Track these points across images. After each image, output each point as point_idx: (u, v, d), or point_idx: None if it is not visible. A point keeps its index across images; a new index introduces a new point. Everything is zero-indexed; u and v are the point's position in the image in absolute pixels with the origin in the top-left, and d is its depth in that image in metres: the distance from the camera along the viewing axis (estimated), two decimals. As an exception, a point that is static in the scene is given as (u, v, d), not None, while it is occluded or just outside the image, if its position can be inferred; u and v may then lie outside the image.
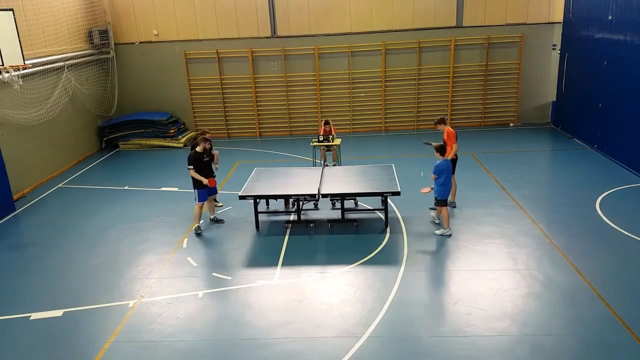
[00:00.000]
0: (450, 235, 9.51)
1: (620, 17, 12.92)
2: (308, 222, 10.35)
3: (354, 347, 6.57)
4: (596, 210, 10.43)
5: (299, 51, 17.55)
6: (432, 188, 9.64)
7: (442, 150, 9.56)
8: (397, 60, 17.56)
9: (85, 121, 16.63)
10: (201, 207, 10.10)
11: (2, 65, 11.58)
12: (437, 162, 9.44)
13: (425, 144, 10.54)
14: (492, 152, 14.76)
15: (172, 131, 17.35)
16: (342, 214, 10.33)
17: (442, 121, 10.56)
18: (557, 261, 8.48)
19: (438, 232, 9.60)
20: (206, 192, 10.10)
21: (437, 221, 10.09)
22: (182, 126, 18.19)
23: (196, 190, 9.99)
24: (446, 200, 9.59)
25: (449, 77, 17.59)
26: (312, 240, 9.76)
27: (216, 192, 10.67)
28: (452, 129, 10.45)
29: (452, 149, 10.23)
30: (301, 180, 10.67)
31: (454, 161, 10.45)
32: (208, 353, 6.65)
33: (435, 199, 9.58)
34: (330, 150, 13.70)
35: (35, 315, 7.63)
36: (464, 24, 17.28)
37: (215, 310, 7.61)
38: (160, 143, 17.28)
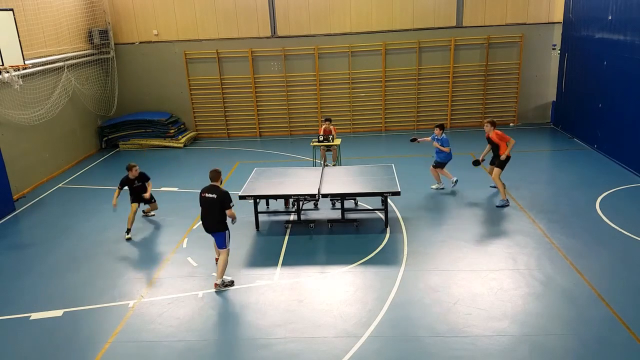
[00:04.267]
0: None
1: (620, 17, 12.92)
2: (308, 222, 10.35)
3: (354, 347, 6.57)
4: (596, 210, 10.43)
5: (299, 51, 17.56)
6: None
7: (441, 126, 11.70)
8: (397, 60, 17.56)
9: (85, 121, 16.64)
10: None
11: (2, 65, 11.58)
12: (442, 137, 11.64)
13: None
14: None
15: (172, 131, 17.35)
16: (342, 214, 10.33)
17: (492, 123, 11.05)
18: (557, 261, 8.48)
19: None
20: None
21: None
22: (182, 126, 18.19)
23: (227, 232, 8.23)
24: (444, 164, 11.77)
25: (449, 77, 17.59)
26: (312, 240, 9.76)
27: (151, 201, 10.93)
28: (499, 131, 10.95)
29: (507, 147, 10.82)
30: (301, 180, 10.67)
31: (508, 159, 10.89)
32: (208, 353, 6.65)
33: (436, 162, 11.82)
34: (330, 150, 13.70)
35: (35, 315, 7.63)
36: (464, 24, 17.28)
37: (215, 310, 7.60)
38: (160, 143, 17.28)
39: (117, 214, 11.39)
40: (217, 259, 8.75)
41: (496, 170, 10.88)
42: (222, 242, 8.18)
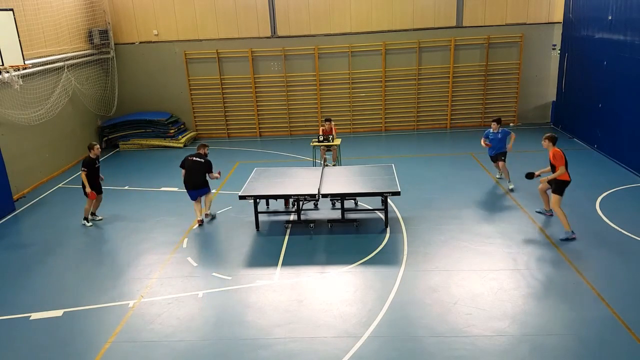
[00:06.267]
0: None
1: (620, 17, 12.92)
2: (308, 222, 10.35)
3: (354, 347, 6.57)
4: (596, 210, 10.42)
5: (299, 51, 17.56)
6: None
7: (498, 120, 11.90)
8: (397, 60, 17.57)
9: (85, 121, 16.64)
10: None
11: (2, 65, 11.58)
12: (502, 129, 11.84)
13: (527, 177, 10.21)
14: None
15: (172, 131, 17.36)
16: (342, 214, 10.33)
17: (551, 139, 9.57)
18: (557, 261, 8.48)
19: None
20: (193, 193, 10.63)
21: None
22: (182, 126, 18.19)
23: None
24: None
25: (449, 77, 17.59)
26: (312, 240, 9.76)
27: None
28: (559, 150, 9.41)
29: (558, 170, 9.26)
30: (301, 180, 10.67)
31: (566, 183, 9.32)
32: (208, 353, 6.65)
33: (504, 152, 11.82)
34: (330, 150, 13.71)
35: (35, 315, 7.63)
36: (464, 24, 17.29)
37: (215, 310, 7.60)
38: (160, 143, 17.28)
39: (116, 214, 11.40)
40: (199, 221, 10.48)
41: (554, 197, 9.29)
42: (209, 190, 10.66)
